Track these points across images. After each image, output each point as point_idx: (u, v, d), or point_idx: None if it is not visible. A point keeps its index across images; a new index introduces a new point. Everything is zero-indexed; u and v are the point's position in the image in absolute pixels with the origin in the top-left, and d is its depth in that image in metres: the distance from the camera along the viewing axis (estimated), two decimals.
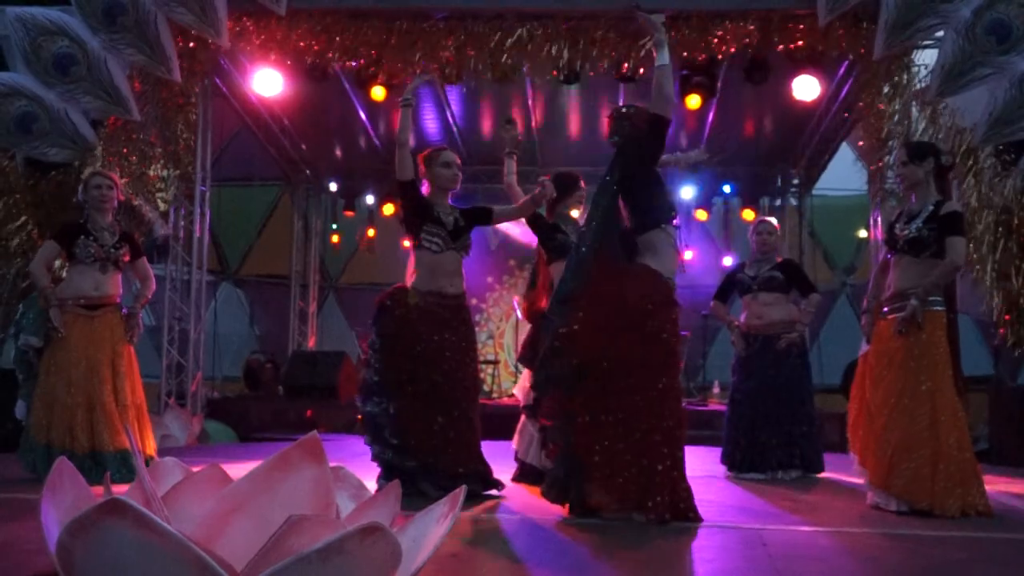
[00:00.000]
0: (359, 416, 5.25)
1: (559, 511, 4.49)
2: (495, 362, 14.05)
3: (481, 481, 5.13)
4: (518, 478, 5.72)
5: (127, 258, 5.88)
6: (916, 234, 4.74)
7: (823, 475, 6.42)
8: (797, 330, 6.46)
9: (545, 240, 5.74)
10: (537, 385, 4.54)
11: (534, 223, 5.80)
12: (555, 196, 5.69)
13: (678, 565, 3.48)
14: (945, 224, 4.69)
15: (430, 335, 5.12)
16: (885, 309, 4.91)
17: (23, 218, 7.74)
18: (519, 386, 6.01)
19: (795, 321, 6.49)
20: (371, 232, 14.59)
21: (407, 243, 5.49)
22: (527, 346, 5.70)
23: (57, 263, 6.15)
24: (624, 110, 4.74)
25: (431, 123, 12.32)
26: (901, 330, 4.68)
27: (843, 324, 13.61)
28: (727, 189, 13.89)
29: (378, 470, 5.15)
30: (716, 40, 8.42)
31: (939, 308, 4.74)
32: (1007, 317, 7.47)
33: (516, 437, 5.88)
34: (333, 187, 14.49)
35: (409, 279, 5.28)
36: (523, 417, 5.80)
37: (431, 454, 4.98)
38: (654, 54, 4.62)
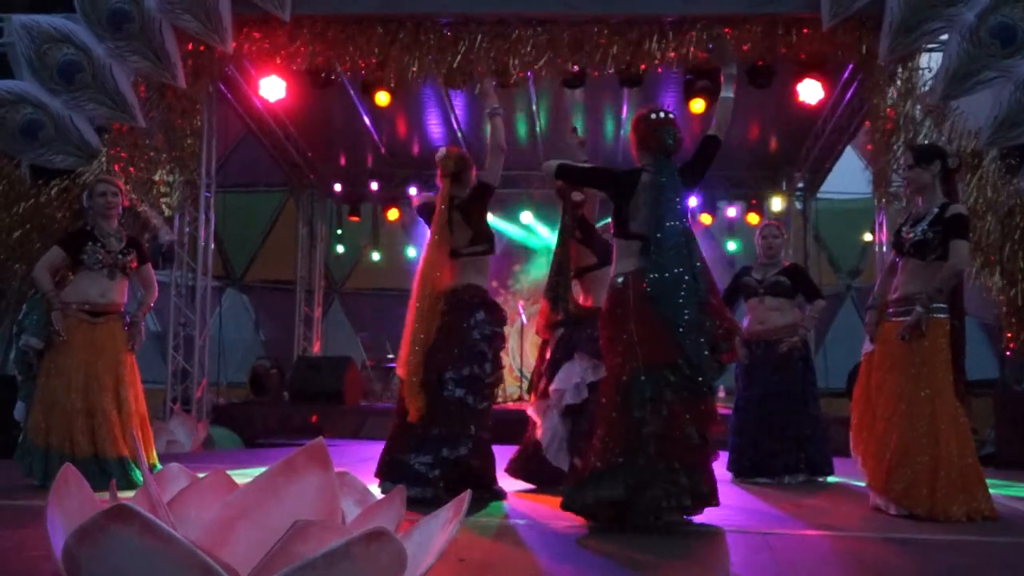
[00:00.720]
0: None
1: (561, 516, 4.49)
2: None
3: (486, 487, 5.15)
4: (542, 486, 5.67)
5: (135, 264, 5.87)
6: (921, 237, 4.74)
7: (829, 479, 6.42)
8: (799, 334, 6.46)
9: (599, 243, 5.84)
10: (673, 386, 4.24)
11: (586, 230, 5.86)
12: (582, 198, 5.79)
13: (684, 570, 3.48)
14: (949, 227, 4.68)
15: None
16: (890, 311, 4.90)
17: (28, 225, 7.75)
18: (555, 386, 5.85)
19: (797, 325, 6.50)
20: (375, 252, 14.64)
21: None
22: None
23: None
24: (664, 115, 4.66)
25: (435, 128, 12.34)
26: (904, 337, 4.67)
27: (848, 328, 13.60)
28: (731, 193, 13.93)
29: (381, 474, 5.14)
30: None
31: (942, 316, 4.73)
32: (1012, 320, 7.46)
33: (541, 435, 5.80)
34: (337, 193, 14.52)
35: (445, 280, 5.26)
36: (549, 417, 5.73)
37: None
38: (720, 80, 4.74)
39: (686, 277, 4.24)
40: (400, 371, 5.17)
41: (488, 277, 5.36)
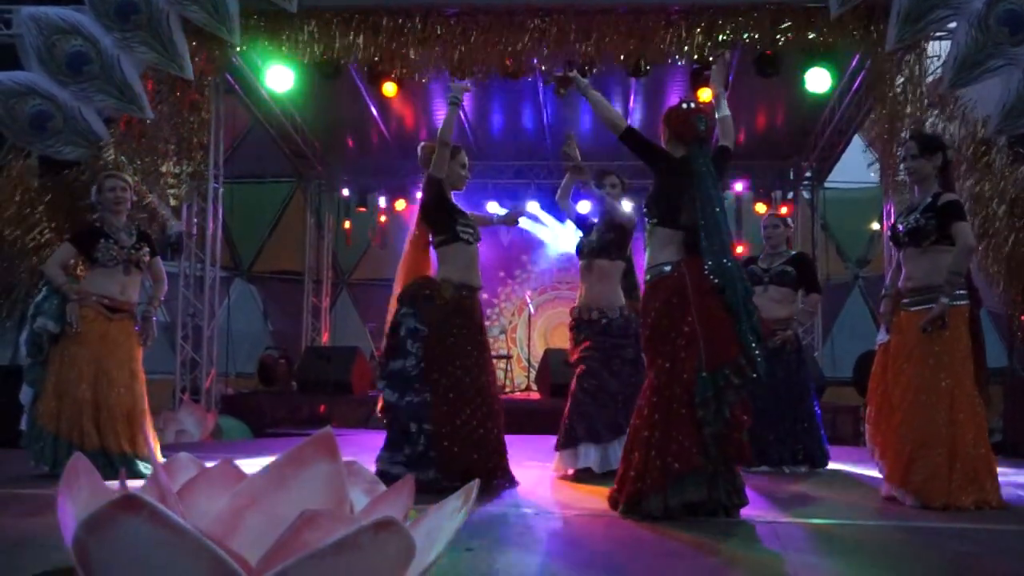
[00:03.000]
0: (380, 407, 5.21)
1: (571, 505, 4.51)
2: (508, 357, 14.06)
3: (498, 474, 5.16)
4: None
5: (147, 258, 5.89)
6: (914, 224, 4.76)
7: (835, 468, 6.42)
8: (791, 328, 6.46)
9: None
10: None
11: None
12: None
13: (691, 559, 3.49)
14: (945, 213, 4.69)
15: (461, 328, 5.23)
16: (906, 301, 4.89)
17: (37, 216, 7.77)
18: None
19: (791, 319, 6.50)
20: (383, 218, 14.59)
21: (428, 238, 5.46)
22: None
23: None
24: (695, 104, 4.64)
25: (442, 118, 12.32)
26: (927, 329, 4.65)
27: (856, 317, 13.60)
28: (739, 185, 13.91)
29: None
30: (728, 34, 8.41)
31: (963, 303, 4.73)
32: (1021, 308, 7.45)
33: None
34: (345, 183, 14.54)
35: (413, 273, 5.36)
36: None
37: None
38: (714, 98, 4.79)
39: (736, 266, 4.30)
40: None
41: (464, 265, 5.33)
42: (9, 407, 6.26)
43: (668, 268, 4.37)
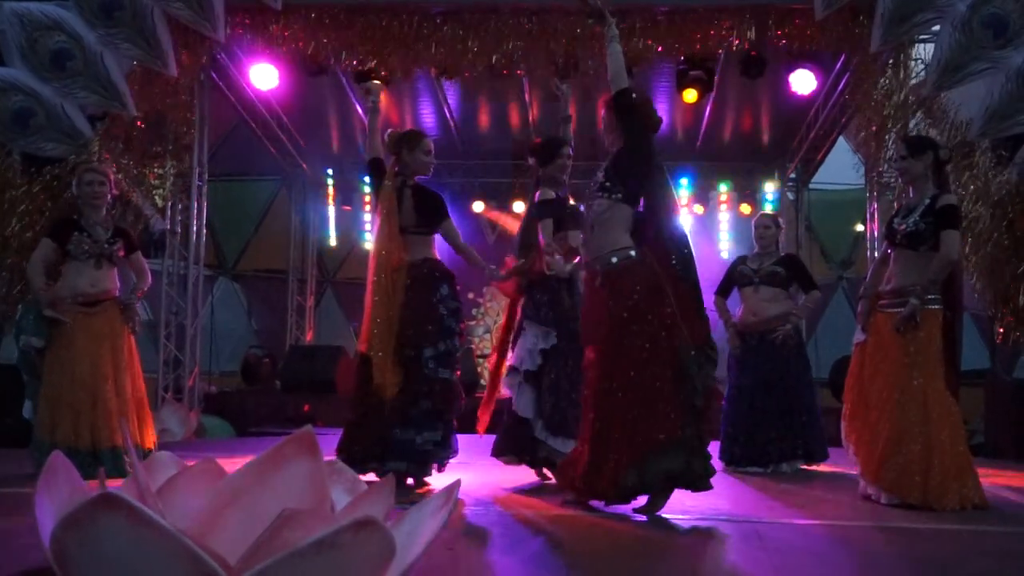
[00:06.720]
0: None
1: (552, 505, 4.50)
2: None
3: None
4: (532, 462, 5.58)
5: (122, 253, 5.85)
6: (913, 228, 4.76)
7: (820, 468, 6.45)
8: (791, 322, 6.47)
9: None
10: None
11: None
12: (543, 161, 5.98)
13: (674, 560, 3.49)
14: (940, 217, 4.70)
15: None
16: (883, 303, 4.91)
17: (19, 214, 7.71)
18: (512, 361, 5.65)
19: (789, 314, 6.51)
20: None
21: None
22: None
23: None
24: (644, 95, 4.66)
25: (428, 118, 12.32)
26: (899, 328, 4.69)
27: (839, 318, 13.60)
28: (723, 183, 13.93)
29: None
30: (713, 35, 8.43)
31: (936, 307, 4.74)
32: (1003, 311, 7.48)
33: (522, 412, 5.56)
34: (330, 181, 14.49)
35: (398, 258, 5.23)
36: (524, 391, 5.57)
37: None
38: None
39: (691, 256, 4.39)
40: (362, 347, 5.15)
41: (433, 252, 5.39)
42: None
43: (634, 253, 4.38)
